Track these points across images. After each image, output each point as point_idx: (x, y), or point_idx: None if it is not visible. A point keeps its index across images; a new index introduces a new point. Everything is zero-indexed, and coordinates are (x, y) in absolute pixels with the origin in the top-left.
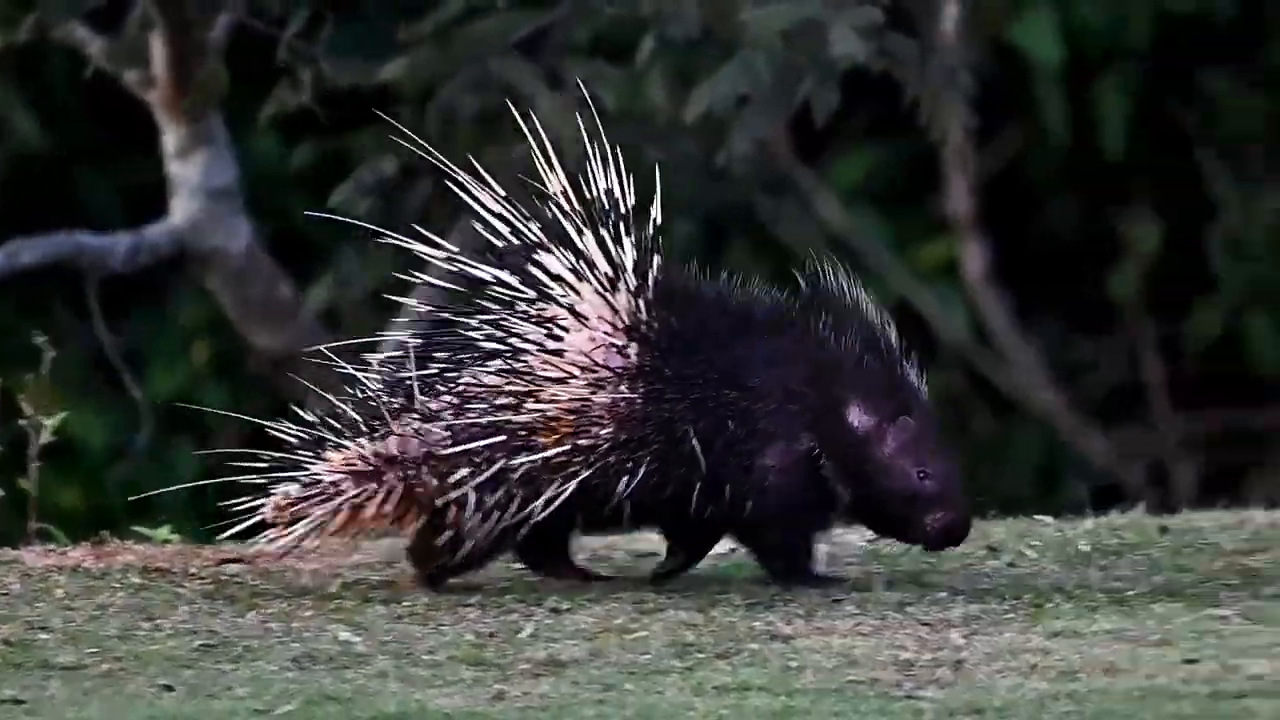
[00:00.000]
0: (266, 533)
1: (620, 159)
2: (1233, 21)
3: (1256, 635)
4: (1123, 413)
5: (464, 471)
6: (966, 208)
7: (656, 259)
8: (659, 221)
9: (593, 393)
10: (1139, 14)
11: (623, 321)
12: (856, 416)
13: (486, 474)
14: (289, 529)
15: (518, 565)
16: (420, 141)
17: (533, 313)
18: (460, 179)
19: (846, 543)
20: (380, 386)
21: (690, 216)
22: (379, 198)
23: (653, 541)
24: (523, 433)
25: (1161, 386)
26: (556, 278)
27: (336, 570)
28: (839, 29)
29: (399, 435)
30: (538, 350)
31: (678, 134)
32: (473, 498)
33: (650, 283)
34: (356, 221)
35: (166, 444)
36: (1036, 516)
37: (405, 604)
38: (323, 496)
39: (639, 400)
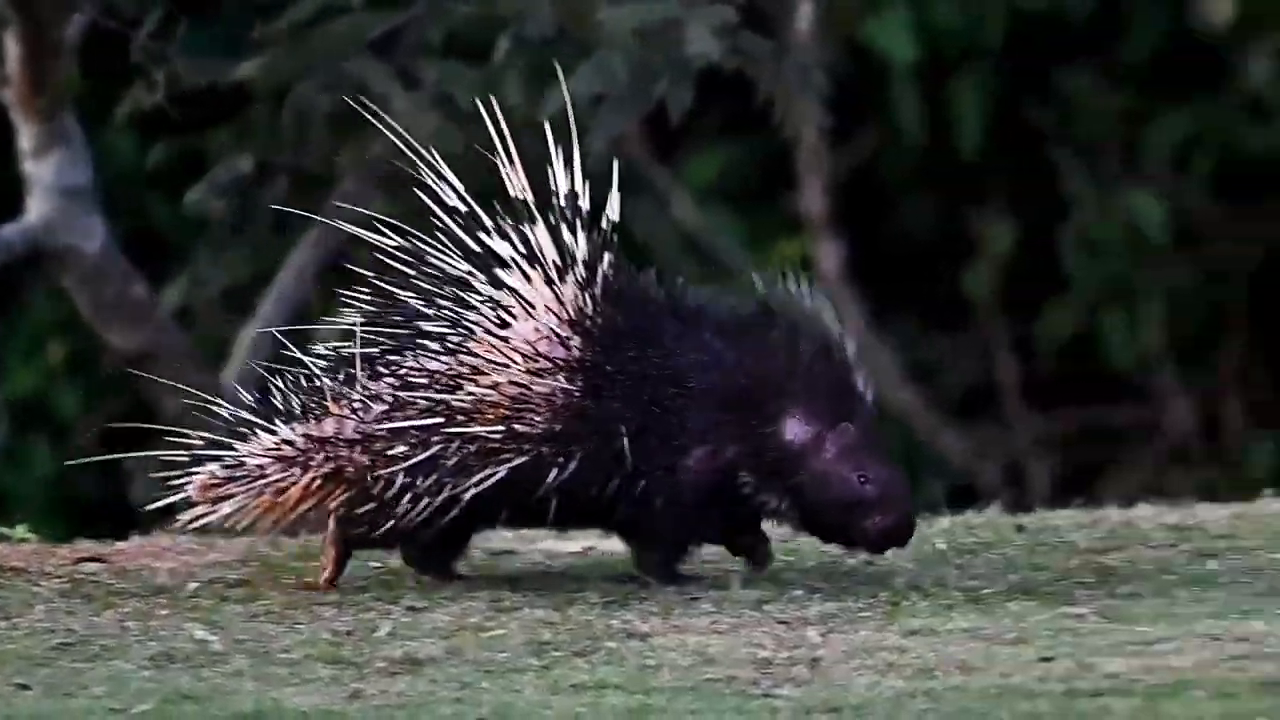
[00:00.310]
0: (190, 511)
1: (577, 155)
2: (1088, 19)
3: (1112, 633)
4: (978, 412)
5: (400, 448)
6: (820, 207)
7: (608, 255)
8: (614, 219)
9: (531, 381)
10: (994, 13)
11: (568, 314)
12: (795, 427)
13: (421, 456)
14: (212, 509)
15: (374, 564)
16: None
17: (481, 297)
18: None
19: None
20: (323, 369)
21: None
22: (235, 196)
23: (507, 539)
24: (460, 416)
25: (1016, 385)
26: (507, 265)
27: (193, 569)
28: (694, 28)
29: (334, 416)
30: (483, 334)
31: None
32: (402, 479)
33: (599, 278)
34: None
35: (23, 442)
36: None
37: (262, 603)
38: (246, 479)
39: (576, 393)
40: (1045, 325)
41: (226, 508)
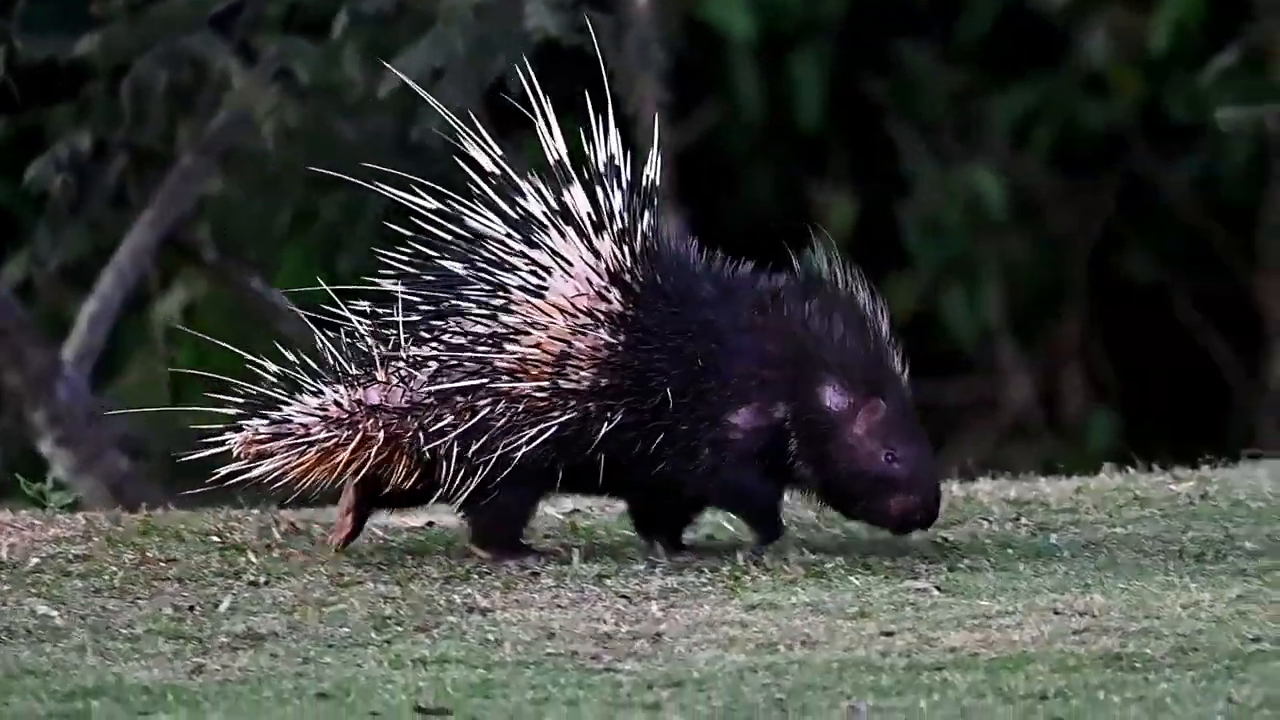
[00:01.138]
0: (230, 465)
1: (609, 117)
2: None
3: (953, 607)
4: None
5: (448, 415)
6: (660, 181)
7: (647, 215)
8: (655, 179)
9: (573, 337)
10: None
11: (606, 268)
12: (830, 396)
13: (470, 421)
14: (252, 465)
15: (215, 538)
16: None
17: (518, 257)
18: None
19: (544, 515)
20: (367, 334)
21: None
22: (73, 173)
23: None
24: (504, 376)
25: None
26: (542, 224)
27: (34, 544)
28: (533, 3)
29: (382, 384)
30: (520, 293)
31: (372, 108)
32: (456, 445)
33: (637, 235)
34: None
35: None
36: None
37: (103, 578)
38: (290, 438)
39: (619, 347)
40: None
41: (266, 465)
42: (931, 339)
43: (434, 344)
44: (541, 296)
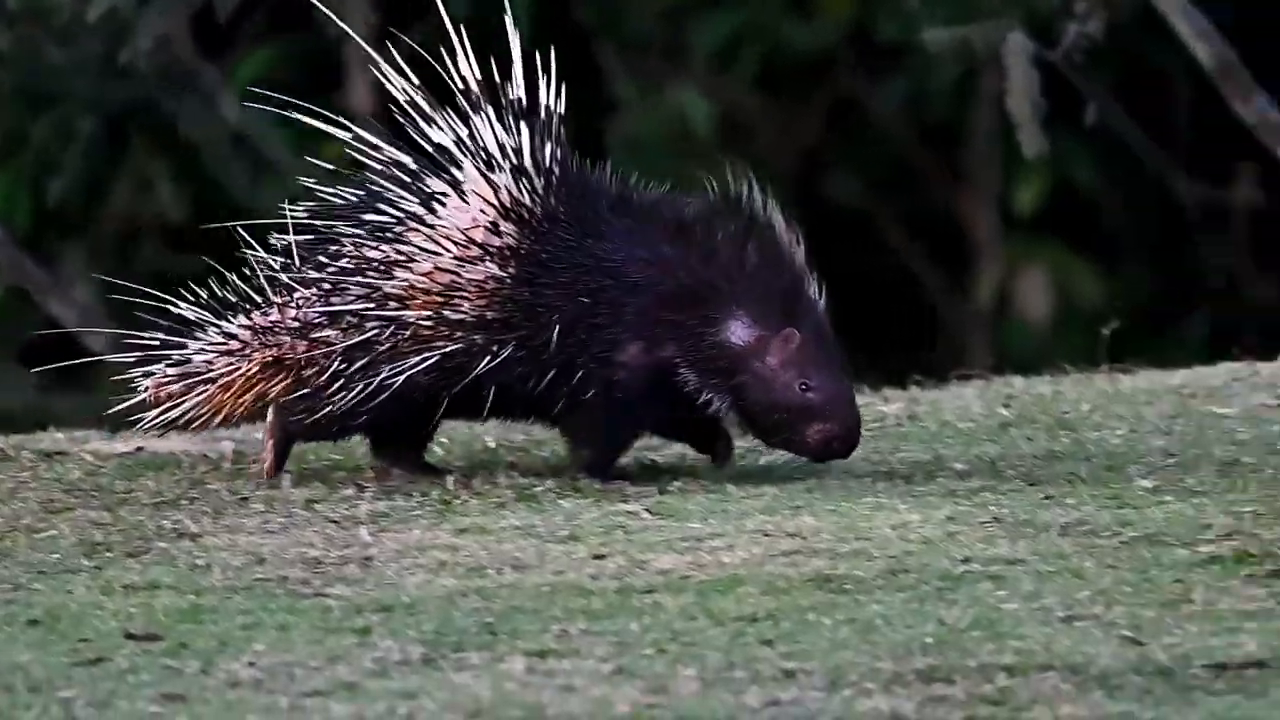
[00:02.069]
0: (148, 413)
1: (516, 47)
2: None
3: (663, 530)
4: None
5: (334, 334)
6: (368, 105)
7: (549, 146)
8: (559, 110)
9: (461, 268)
10: None
11: (501, 201)
12: (739, 330)
13: (354, 339)
14: (171, 407)
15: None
16: None
17: (413, 185)
18: None
19: (257, 440)
20: (265, 260)
21: (92, 114)
22: None
23: (58, 440)
24: (392, 302)
25: None
26: (442, 150)
27: None
28: None
29: (276, 305)
30: (413, 221)
31: (81, 32)
32: (338, 364)
33: (538, 166)
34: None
35: None
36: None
37: None
38: (195, 375)
39: (508, 280)
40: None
41: (181, 406)
42: None
43: (328, 267)
44: (433, 226)
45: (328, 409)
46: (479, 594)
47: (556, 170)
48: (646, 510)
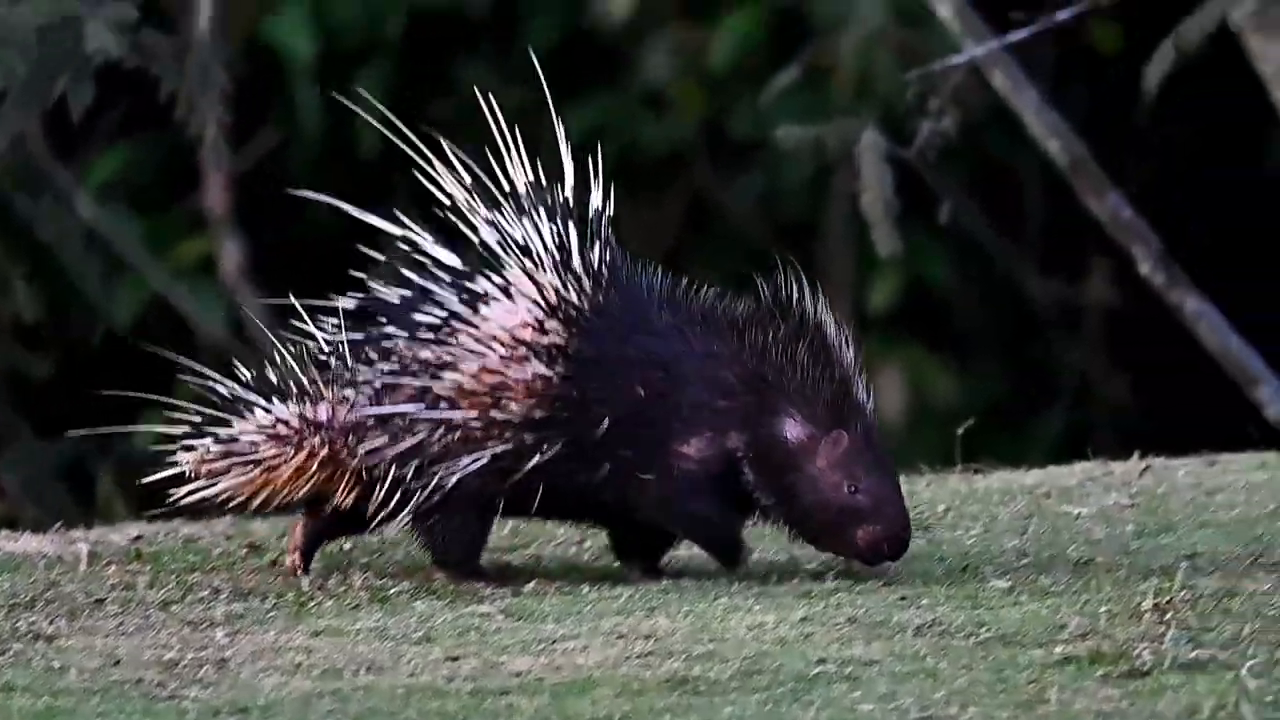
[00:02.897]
0: (187, 485)
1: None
2: (487, 13)
3: (518, 631)
4: None
5: (385, 436)
6: (223, 205)
7: (601, 245)
8: (605, 208)
9: (508, 367)
10: (393, 7)
11: (547, 300)
12: (791, 427)
13: (405, 443)
14: (208, 484)
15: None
16: None
17: (461, 285)
18: None
19: (110, 542)
20: (316, 352)
21: None
22: None
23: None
24: (442, 403)
25: None
26: (488, 250)
27: None
28: (94, 25)
29: (329, 401)
30: (460, 322)
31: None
32: (393, 467)
33: (584, 263)
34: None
35: None
36: (299, 514)
37: None
38: (240, 455)
39: (555, 379)
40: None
41: (221, 484)
42: None
43: (380, 366)
44: (478, 326)
45: (383, 510)
46: (334, 696)
47: (605, 269)
48: (501, 612)
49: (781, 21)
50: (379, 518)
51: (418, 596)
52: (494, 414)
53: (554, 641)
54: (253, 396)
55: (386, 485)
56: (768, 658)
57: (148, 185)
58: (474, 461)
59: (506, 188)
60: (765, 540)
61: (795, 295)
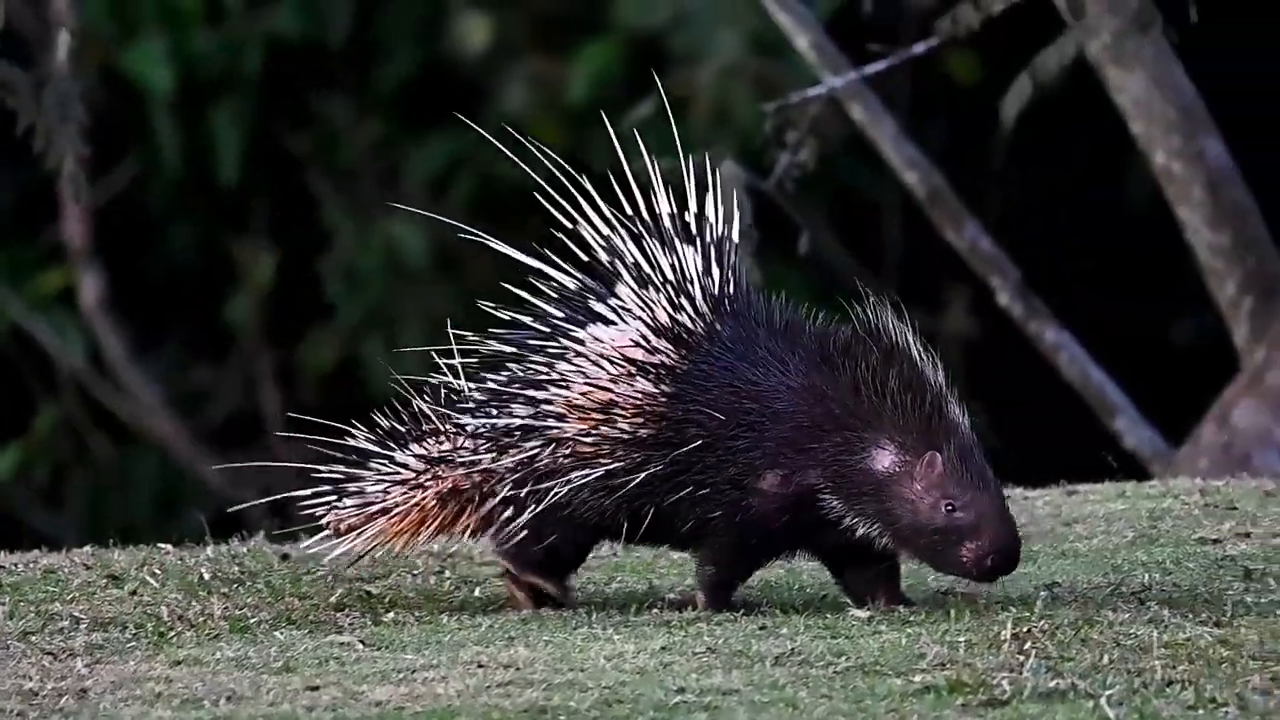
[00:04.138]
0: (335, 546)
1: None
2: (344, 47)
3: (378, 661)
4: (241, 440)
5: (492, 455)
6: (81, 237)
7: (721, 270)
8: (725, 232)
9: (616, 384)
10: (251, 40)
11: (658, 320)
12: (882, 456)
13: (515, 458)
14: (352, 540)
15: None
16: None
17: (573, 305)
18: None
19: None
20: (434, 387)
21: None
22: None
23: None
24: (551, 420)
25: (279, 414)
26: (604, 271)
27: None
28: None
29: (446, 433)
30: (570, 340)
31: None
32: (508, 488)
33: (703, 288)
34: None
35: None
36: (158, 544)
37: None
38: (371, 505)
39: (661, 397)
40: (308, 354)
41: (363, 537)
42: (353, 391)
43: (489, 379)
44: (587, 344)
45: (519, 536)
46: None
47: (720, 292)
48: (361, 641)
49: (639, 53)
50: (489, 529)
51: (278, 626)
52: (603, 430)
53: (414, 671)
54: (374, 447)
55: (497, 500)
56: (627, 687)
57: (6, 217)
58: (584, 477)
59: (630, 212)
60: (625, 570)
61: (885, 322)
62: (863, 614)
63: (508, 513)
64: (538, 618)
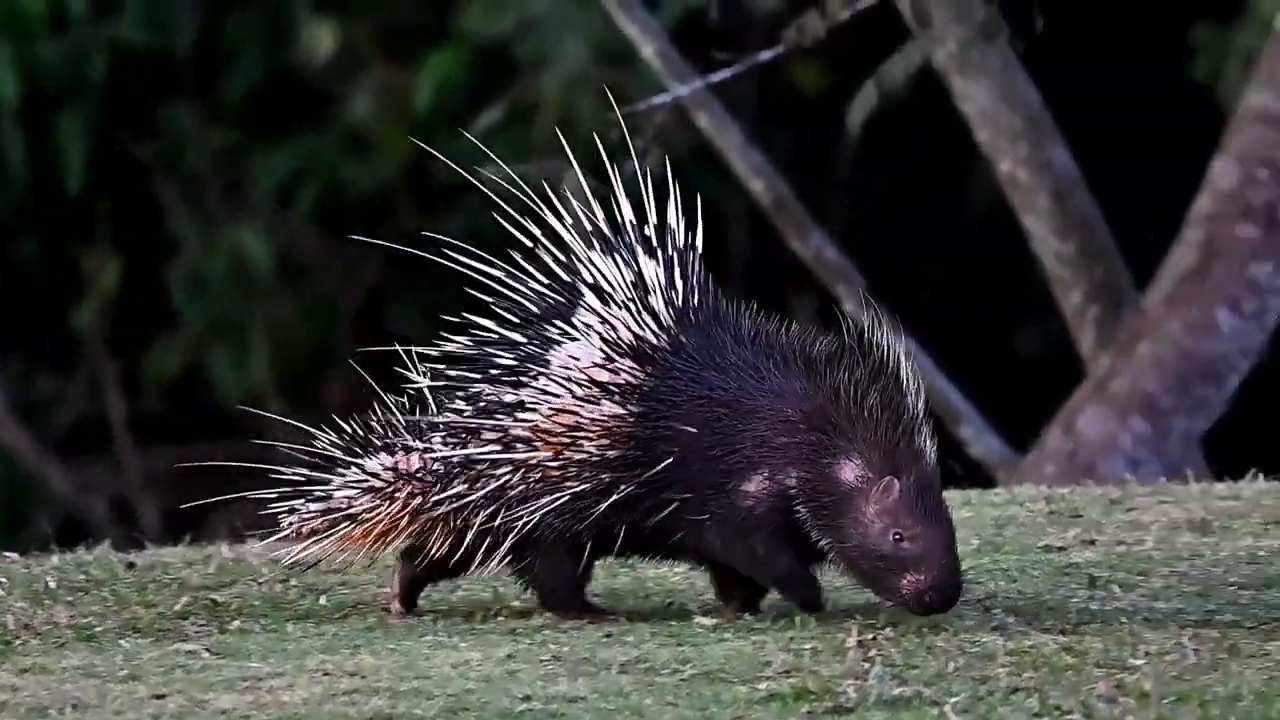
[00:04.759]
0: (290, 546)
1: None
2: (190, 55)
3: (224, 669)
4: (87, 448)
5: (464, 486)
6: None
7: (683, 283)
8: (689, 243)
9: (582, 406)
10: (96, 48)
11: (621, 339)
12: (848, 470)
13: (488, 488)
14: (313, 545)
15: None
16: None
17: (535, 327)
18: None
19: None
20: (404, 404)
21: None
22: None
23: None
24: (520, 445)
25: (124, 422)
26: (566, 289)
27: None
28: None
29: (419, 451)
30: (534, 364)
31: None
32: (481, 516)
33: (664, 301)
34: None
35: None
36: (3, 553)
37: None
38: (337, 513)
39: (628, 417)
40: (153, 362)
41: (325, 543)
42: (200, 399)
43: (462, 408)
44: (552, 366)
45: (470, 554)
46: None
47: (684, 306)
48: (206, 649)
49: (485, 61)
50: (471, 565)
51: (124, 634)
52: (571, 454)
53: (260, 679)
54: (343, 454)
55: (474, 532)
56: (473, 695)
57: None
58: (553, 502)
59: (589, 226)
60: (472, 580)
61: (873, 333)
62: (709, 622)
63: (486, 544)
64: (383, 626)
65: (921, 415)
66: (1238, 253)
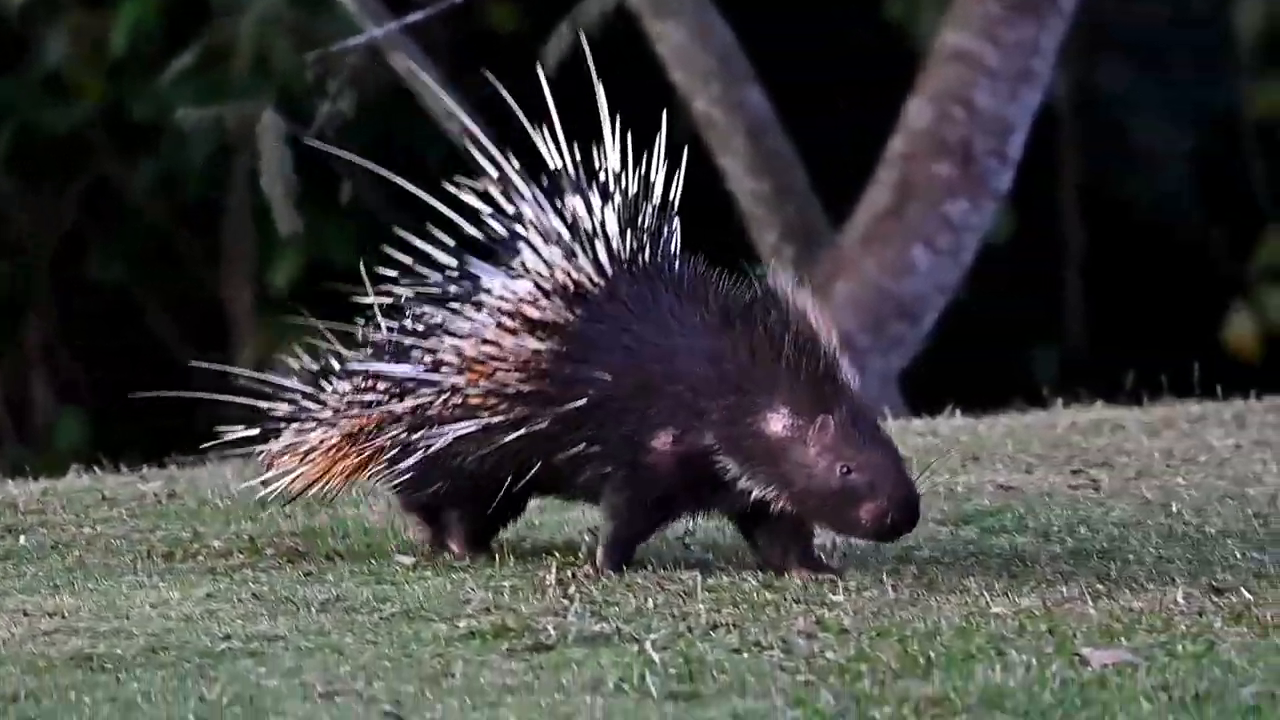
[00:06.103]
0: (267, 487)
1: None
2: None
3: None
4: None
5: (387, 399)
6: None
7: (634, 228)
8: (640, 190)
9: (503, 339)
10: None
11: (555, 278)
12: (776, 420)
13: (407, 404)
14: (283, 478)
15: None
16: None
17: (471, 259)
18: None
19: None
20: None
21: None
22: None
23: None
24: (445, 369)
25: None
26: (514, 221)
27: None
28: None
29: (349, 374)
30: (467, 293)
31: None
32: (402, 432)
33: (601, 245)
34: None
35: None
36: None
37: None
38: (299, 446)
39: (548, 355)
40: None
41: (291, 475)
42: None
43: (390, 325)
44: (482, 298)
45: (405, 478)
46: None
47: (627, 251)
48: None
49: (179, 5)
50: (381, 477)
51: None
52: (487, 384)
53: None
54: (296, 384)
55: (391, 448)
56: (173, 634)
57: None
58: (464, 428)
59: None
60: (168, 518)
61: (783, 287)
62: (408, 560)
63: (393, 453)
64: (83, 566)
65: (837, 353)
66: (933, 191)
